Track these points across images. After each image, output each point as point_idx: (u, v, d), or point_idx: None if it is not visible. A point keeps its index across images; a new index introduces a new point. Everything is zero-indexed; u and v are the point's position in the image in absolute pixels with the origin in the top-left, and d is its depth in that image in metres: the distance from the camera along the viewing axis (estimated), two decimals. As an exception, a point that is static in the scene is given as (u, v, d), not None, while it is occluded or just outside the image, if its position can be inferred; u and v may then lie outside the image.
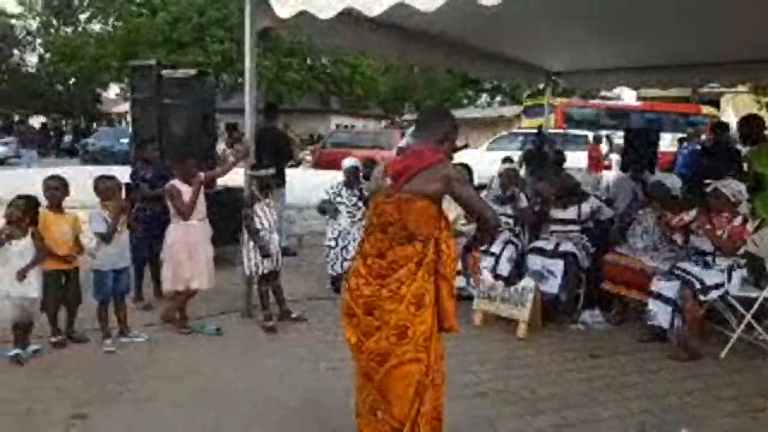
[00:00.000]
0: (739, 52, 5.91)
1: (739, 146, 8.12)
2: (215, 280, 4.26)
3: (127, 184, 4.68)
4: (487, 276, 4.68)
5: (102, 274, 3.81)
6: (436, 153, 2.25)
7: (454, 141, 2.42)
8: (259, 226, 4.18)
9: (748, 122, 5.33)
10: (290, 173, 8.98)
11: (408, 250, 2.19)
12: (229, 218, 4.89)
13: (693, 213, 4.14)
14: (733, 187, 4.00)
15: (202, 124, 5.82)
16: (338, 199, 5.15)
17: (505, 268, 4.84)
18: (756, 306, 3.89)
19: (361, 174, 5.27)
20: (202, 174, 4.17)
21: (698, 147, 10.16)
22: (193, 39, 17.11)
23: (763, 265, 4.10)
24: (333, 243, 5.11)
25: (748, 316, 3.89)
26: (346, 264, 5.04)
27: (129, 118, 15.12)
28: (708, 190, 4.07)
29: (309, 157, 17.20)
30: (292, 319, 4.37)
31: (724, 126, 6.40)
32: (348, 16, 3.93)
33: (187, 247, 3.99)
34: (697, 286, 3.87)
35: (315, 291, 5.23)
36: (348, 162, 5.24)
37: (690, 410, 3.16)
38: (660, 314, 4.00)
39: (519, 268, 4.85)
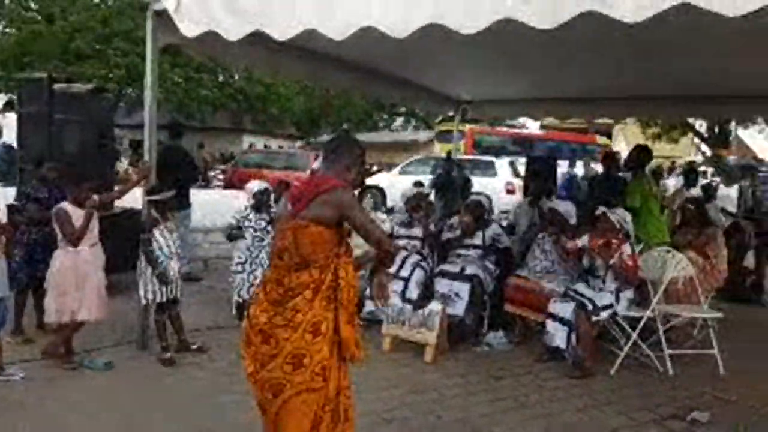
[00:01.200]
0: (625, 89, 6.47)
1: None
2: (108, 310, 3.97)
3: (10, 206, 4.29)
4: (396, 300, 4.72)
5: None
6: (335, 179, 2.25)
7: (362, 168, 2.44)
8: (158, 252, 3.96)
9: (634, 153, 5.79)
10: (198, 194, 8.68)
11: (303, 276, 2.16)
12: (126, 243, 4.60)
13: (585, 238, 4.41)
14: (618, 215, 4.32)
15: (98, 142, 5.48)
16: (246, 222, 5.00)
17: (414, 292, 4.91)
18: (641, 325, 4.20)
19: (271, 197, 5.17)
20: (96, 197, 3.90)
21: (574, 174, 11.21)
22: (94, 51, 16.18)
23: (647, 286, 4.43)
24: (240, 268, 4.94)
25: (634, 335, 4.18)
26: (252, 290, 4.89)
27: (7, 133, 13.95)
28: (597, 214, 4.38)
29: (220, 177, 16.69)
30: (192, 351, 4.15)
31: (612, 156, 6.93)
32: (257, 38, 3.87)
33: (75, 274, 3.70)
34: (590, 307, 4.12)
35: (218, 319, 5.00)
36: (255, 185, 5.10)
37: (582, 426, 3.32)
38: (557, 335, 4.20)
39: (427, 291, 4.94)
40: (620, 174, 6.16)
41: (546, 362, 4.28)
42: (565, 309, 4.19)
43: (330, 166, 2.35)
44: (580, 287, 4.30)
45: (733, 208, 7.73)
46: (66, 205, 3.77)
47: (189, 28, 3.78)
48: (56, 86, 5.42)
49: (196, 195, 7.68)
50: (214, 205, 7.82)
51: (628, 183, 5.57)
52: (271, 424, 2.21)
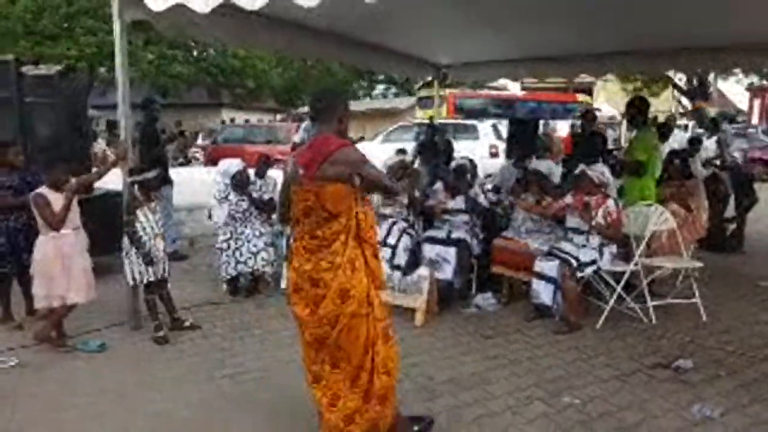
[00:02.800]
0: (605, 45, 6.43)
1: (611, 131, 8.79)
2: (97, 292, 3.96)
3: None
4: (385, 267, 4.76)
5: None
6: (338, 139, 2.52)
7: (348, 118, 2.64)
8: (141, 232, 3.93)
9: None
10: (179, 172, 8.57)
11: (334, 226, 2.46)
12: (109, 225, 4.56)
13: (569, 197, 4.46)
14: (597, 170, 4.36)
15: (73, 124, 5.37)
16: (225, 207, 4.96)
17: (402, 259, 4.94)
18: (624, 279, 4.29)
19: (250, 175, 5.14)
20: (73, 180, 3.84)
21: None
22: (61, 30, 15.69)
23: (629, 241, 4.51)
24: (225, 245, 4.93)
25: (618, 288, 4.27)
26: (240, 266, 4.90)
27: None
28: (576, 173, 4.41)
29: (199, 154, 16.46)
30: (185, 328, 4.17)
31: (591, 115, 6.94)
32: (229, 9, 3.77)
33: (60, 259, 3.67)
34: (574, 264, 4.19)
35: (209, 296, 5.02)
36: (231, 167, 5.04)
37: (571, 380, 3.41)
38: (543, 292, 4.28)
39: (415, 257, 4.98)
40: (599, 131, 6.18)
41: (534, 320, 4.37)
42: (549, 267, 4.26)
43: (324, 123, 2.58)
44: (564, 245, 4.37)
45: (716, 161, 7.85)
46: (43, 190, 3.72)
47: (156, 1, 3.68)
48: (24, 69, 5.27)
49: (178, 173, 7.61)
50: (196, 183, 7.73)
51: (634, 138, 5.41)
52: (336, 349, 2.51)
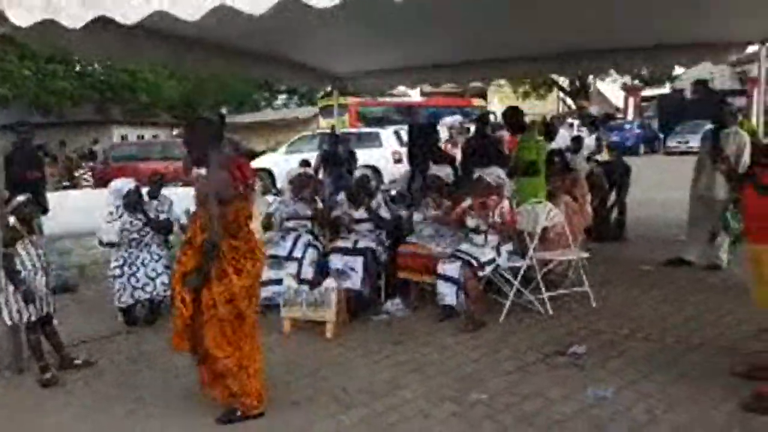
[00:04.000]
0: (492, 51, 6.78)
1: (502, 133, 9.32)
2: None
3: None
4: (291, 282, 4.69)
5: None
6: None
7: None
8: (20, 267, 3.60)
9: (506, 115, 6.15)
10: (66, 196, 7.97)
11: None
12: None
13: (468, 201, 4.64)
14: (493, 173, 4.58)
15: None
16: (117, 224, 4.65)
17: (308, 272, 4.90)
18: (521, 274, 4.52)
19: (143, 194, 4.87)
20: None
21: None
22: None
23: (524, 237, 4.76)
24: (118, 272, 4.62)
25: (516, 283, 4.50)
26: (137, 293, 4.61)
27: None
28: (474, 177, 4.60)
29: (88, 176, 15.36)
30: (77, 366, 3.84)
31: (484, 119, 7.30)
32: (107, 23, 3.55)
33: None
34: (474, 263, 4.36)
35: (103, 328, 4.67)
36: (122, 185, 4.75)
37: (478, 376, 3.54)
38: (447, 294, 4.42)
39: (322, 270, 4.94)
40: (490, 136, 6.53)
41: (442, 321, 4.48)
42: (452, 269, 4.41)
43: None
44: (465, 246, 4.54)
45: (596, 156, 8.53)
46: None
47: (22, 15, 3.37)
48: None
49: (64, 197, 7.07)
50: (84, 207, 7.19)
51: (521, 140, 5.89)
52: None
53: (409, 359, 3.86)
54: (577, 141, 8.16)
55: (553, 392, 3.28)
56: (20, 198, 3.74)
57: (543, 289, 4.58)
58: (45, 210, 5.89)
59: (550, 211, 4.73)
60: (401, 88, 21.99)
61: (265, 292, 4.84)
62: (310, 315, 4.37)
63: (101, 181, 13.42)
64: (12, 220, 3.68)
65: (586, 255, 4.89)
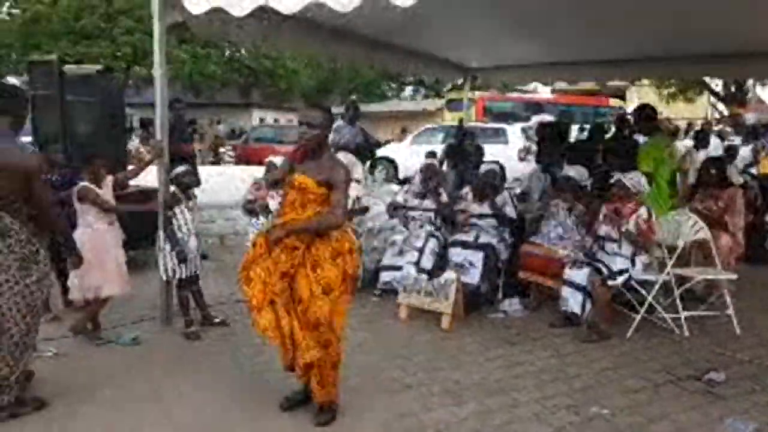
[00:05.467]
0: (639, 50, 6.34)
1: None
2: (130, 286, 4.07)
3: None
4: (411, 270, 4.78)
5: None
6: None
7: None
8: (177, 230, 4.03)
9: (643, 111, 5.62)
10: (211, 171, 8.75)
11: None
12: (143, 221, 4.67)
13: (604, 208, 4.39)
14: (633, 179, 4.30)
15: (110, 123, 5.52)
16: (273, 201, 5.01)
17: (428, 262, 4.95)
18: (656, 289, 4.21)
19: None
20: (110, 177, 3.97)
21: None
22: (100, 30, 16.15)
23: (662, 250, 4.42)
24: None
25: (650, 298, 4.20)
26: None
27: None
28: (612, 181, 4.35)
29: (231, 153, 16.71)
30: (215, 324, 4.25)
31: (625, 120, 6.83)
32: (263, 12, 3.84)
33: (96, 252, 3.76)
34: (605, 272, 4.13)
35: (240, 293, 5.07)
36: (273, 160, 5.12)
37: (599, 389, 3.37)
38: (572, 300, 4.24)
39: (442, 261, 4.98)
40: (633, 136, 6.08)
41: (561, 328, 4.32)
42: (580, 275, 4.22)
43: None
44: (596, 253, 4.31)
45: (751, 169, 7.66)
46: (86, 183, 3.83)
47: (195, 3, 3.76)
48: (66, 68, 5.45)
49: (209, 172, 7.77)
50: (226, 181, 7.87)
51: (642, 146, 5.46)
52: None
53: (525, 361, 3.77)
54: (731, 151, 7.39)
55: (684, 418, 3.04)
56: (180, 168, 4.19)
57: (680, 307, 4.23)
58: (199, 182, 6.43)
59: (695, 223, 4.35)
60: (531, 84, 21.23)
61: (386, 276, 5.00)
62: (427, 304, 4.43)
63: (241, 159, 14.56)
64: (172, 187, 4.12)
65: (733, 276, 4.44)
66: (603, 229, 4.37)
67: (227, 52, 20.98)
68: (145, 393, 3.25)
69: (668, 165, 5.36)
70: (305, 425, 2.92)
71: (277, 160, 5.17)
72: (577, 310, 4.23)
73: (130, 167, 5.00)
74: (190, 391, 3.27)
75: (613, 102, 21.02)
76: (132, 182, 4.96)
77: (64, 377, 3.43)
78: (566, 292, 4.27)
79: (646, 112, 5.54)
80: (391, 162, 13.97)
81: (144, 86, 17.85)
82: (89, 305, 3.91)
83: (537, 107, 18.95)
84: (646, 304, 4.21)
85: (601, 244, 4.38)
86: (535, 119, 14.21)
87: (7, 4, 18.00)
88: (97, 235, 3.82)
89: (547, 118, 13.54)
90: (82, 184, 3.84)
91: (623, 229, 4.20)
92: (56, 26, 16.06)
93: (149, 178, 4.60)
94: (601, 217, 4.35)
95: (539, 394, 3.30)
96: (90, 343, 3.90)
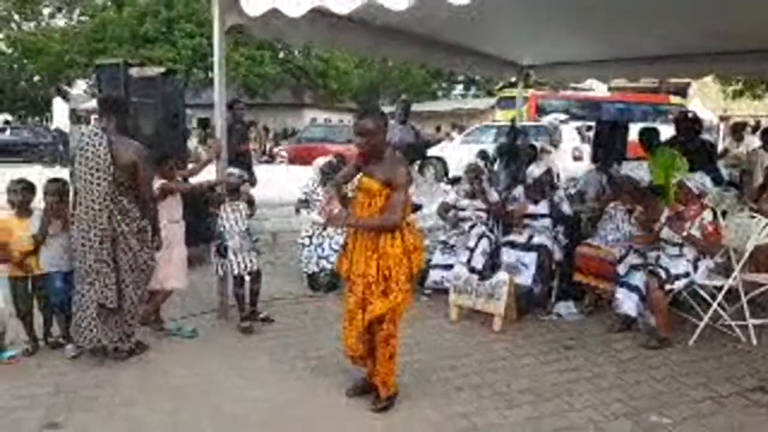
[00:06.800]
0: (703, 45, 6.04)
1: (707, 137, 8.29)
2: (188, 281, 4.21)
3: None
4: (462, 270, 4.73)
5: (49, 277, 3.69)
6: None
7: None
8: (220, 227, 4.14)
9: (686, 120, 5.48)
10: (264, 169, 8.95)
11: None
12: (201, 217, 4.82)
13: (665, 212, 4.23)
14: (696, 180, 4.11)
15: (172, 122, 5.72)
16: (313, 196, 5.12)
17: (479, 262, 4.88)
18: (721, 294, 4.01)
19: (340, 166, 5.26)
20: (179, 178, 4.15)
21: None
22: (161, 34, 16.82)
23: (728, 254, 4.22)
24: (307, 241, 5.08)
25: (715, 305, 4.00)
26: (321, 263, 5.02)
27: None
28: (674, 182, 4.17)
29: (284, 153, 17.04)
30: (260, 320, 4.31)
31: (692, 118, 6.53)
32: (318, 13, 3.90)
33: (164, 247, 3.92)
34: (663, 275, 3.97)
35: (291, 290, 5.19)
36: (322, 160, 5.22)
37: (660, 398, 3.24)
38: (626, 302, 4.09)
39: (493, 262, 4.90)
40: (701, 136, 5.81)
41: (618, 332, 4.18)
42: (635, 275, 4.06)
43: None
44: (654, 255, 4.15)
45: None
46: (160, 181, 3.98)
47: (253, 6, 3.86)
48: (131, 70, 5.68)
49: (262, 171, 7.95)
50: (280, 180, 8.03)
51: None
52: None
53: (580, 366, 3.68)
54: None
55: (752, 432, 2.88)
56: (232, 170, 4.31)
57: (747, 314, 4.02)
58: (254, 182, 6.61)
59: (766, 227, 4.11)
60: (587, 82, 20.61)
61: (435, 275, 4.98)
62: (478, 305, 4.38)
63: (294, 158, 14.84)
64: (220, 187, 4.25)
65: (808, 283, 4.17)
66: (665, 233, 4.20)
67: (281, 54, 21.45)
68: (205, 385, 3.35)
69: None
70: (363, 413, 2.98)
71: (321, 160, 5.28)
72: (631, 312, 4.08)
73: (189, 166, 5.18)
74: (247, 385, 3.35)
75: (674, 99, 20.14)
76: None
77: (128, 366, 3.58)
78: (621, 292, 4.13)
79: (690, 119, 5.42)
80: (441, 160, 13.88)
81: (202, 88, 18.49)
82: (154, 298, 4.07)
83: (594, 105, 18.39)
84: (711, 310, 4.01)
85: (661, 245, 4.21)
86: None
87: (77, 11, 19.03)
88: (166, 231, 3.97)
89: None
90: (161, 181, 3.99)
91: (684, 234, 4.02)
92: (121, 31, 16.84)
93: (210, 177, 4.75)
94: (663, 219, 4.17)
95: (595, 400, 3.21)
96: (152, 334, 4.06)
